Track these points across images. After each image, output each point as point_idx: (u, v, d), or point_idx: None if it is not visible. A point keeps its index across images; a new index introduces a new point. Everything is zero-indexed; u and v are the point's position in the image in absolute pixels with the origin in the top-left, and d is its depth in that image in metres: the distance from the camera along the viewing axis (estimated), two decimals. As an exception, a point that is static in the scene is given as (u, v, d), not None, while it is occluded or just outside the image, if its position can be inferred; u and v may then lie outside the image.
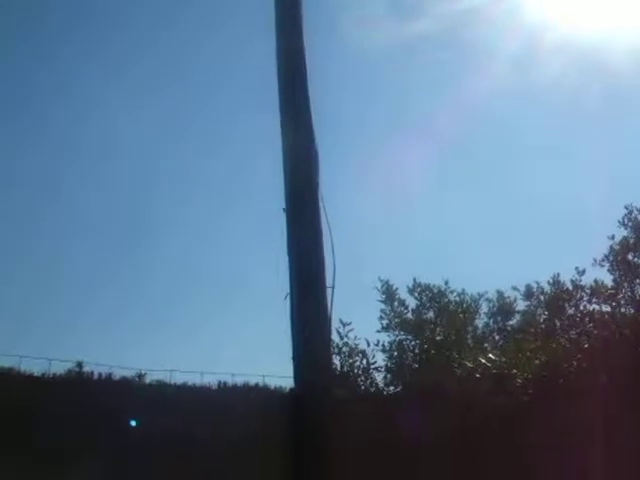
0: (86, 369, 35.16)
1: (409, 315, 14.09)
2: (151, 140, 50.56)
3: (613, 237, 14.24)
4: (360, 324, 13.63)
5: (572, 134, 43.94)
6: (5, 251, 49.94)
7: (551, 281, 15.13)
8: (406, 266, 32.69)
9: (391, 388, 13.51)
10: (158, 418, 27.99)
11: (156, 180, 54.79)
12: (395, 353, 13.46)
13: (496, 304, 16.19)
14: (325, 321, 5.22)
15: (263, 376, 35.80)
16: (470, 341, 14.45)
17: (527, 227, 47.50)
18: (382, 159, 39.40)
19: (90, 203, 51.94)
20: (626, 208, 14.20)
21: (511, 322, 16.22)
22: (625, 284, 14.03)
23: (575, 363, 12.13)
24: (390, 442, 11.68)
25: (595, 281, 14.09)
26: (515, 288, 16.13)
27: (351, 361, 12.99)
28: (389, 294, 14.03)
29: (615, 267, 14.11)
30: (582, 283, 14.23)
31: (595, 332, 13.04)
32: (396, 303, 14.04)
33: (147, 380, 35.62)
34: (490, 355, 12.69)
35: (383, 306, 14.00)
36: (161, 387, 34.73)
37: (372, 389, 13.22)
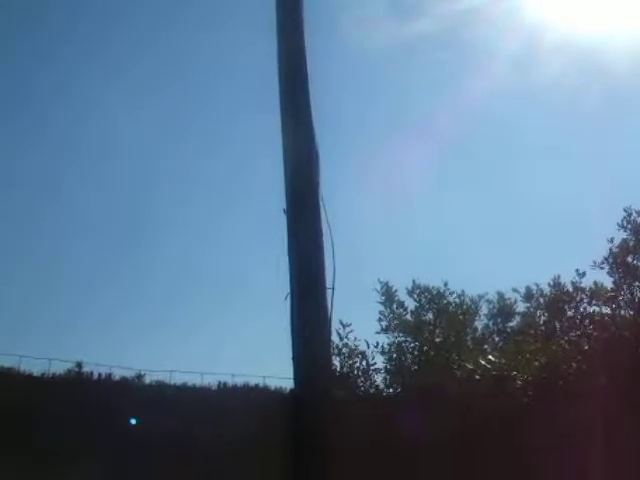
0: (86, 369, 35.12)
1: (408, 317, 14.09)
2: (151, 140, 50.56)
3: (612, 240, 14.28)
4: (360, 325, 13.67)
5: (572, 135, 43.97)
6: (5, 251, 49.95)
7: (551, 283, 15.19)
8: (406, 267, 32.82)
9: (391, 389, 13.52)
10: (158, 418, 27.98)
11: (156, 180, 54.78)
12: (394, 355, 13.47)
13: (496, 306, 16.21)
14: (325, 322, 5.22)
15: (263, 377, 35.81)
16: (470, 342, 14.47)
17: (527, 229, 47.48)
18: (382, 159, 39.37)
19: (90, 203, 51.89)
20: (625, 211, 14.23)
21: (511, 324, 16.24)
22: (624, 286, 14.05)
23: (575, 365, 12.15)
24: (390, 443, 11.68)
25: (595, 283, 14.16)
26: (515, 290, 16.18)
27: (351, 362, 13.01)
28: (388, 296, 14.04)
29: (615, 269, 14.13)
30: (582, 285, 14.29)
31: (595, 334, 13.06)
32: (395, 305, 14.05)
33: (147, 380, 35.62)
34: (490, 357, 12.70)
35: (382, 308, 14.02)
36: (161, 387, 34.70)
37: (372, 390, 13.23)
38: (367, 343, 13.16)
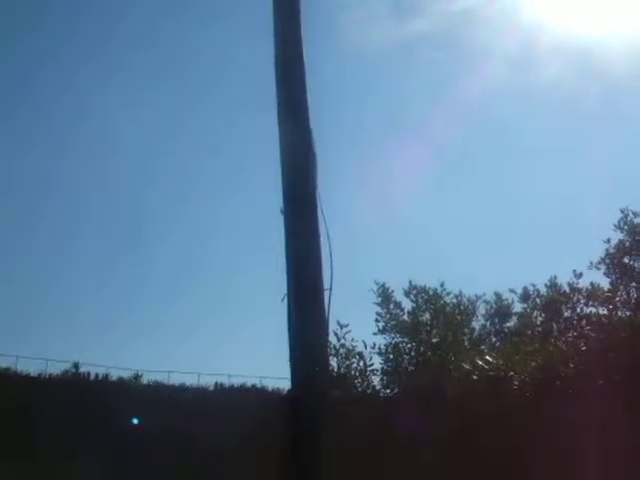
0: (83, 370, 35.08)
1: (405, 317, 14.09)
2: (150, 139, 50.53)
3: (609, 240, 14.31)
4: (357, 326, 13.67)
5: (568, 135, 44.07)
6: (1, 251, 49.88)
7: (548, 284, 15.22)
8: (403, 267, 32.81)
9: (388, 390, 13.52)
10: (155, 419, 27.96)
11: (155, 179, 54.76)
12: (391, 356, 13.46)
13: (493, 306, 16.20)
14: (322, 323, 5.22)
15: (260, 378, 35.74)
16: (467, 343, 14.46)
17: (524, 229, 47.55)
18: (379, 159, 39.50)
19: (87, 202, 51.93)
20: (622, 212, 14.25)
21: (508, 324, 16.23)
22: (621, 287, 14.07)
23: (572, 365, 12.14)
24: (387, 444, 11.68)
25: (592, 284, 14.18)
26: (512, 290, 16.16)
27: (348, 363, 13.00)
28: (385, 296, 14.03)
29: (611, 270, 14.16)
30: (579, 286, 14.31)
31: (592, 335, 13.06)
32: (392, 305, 14.05)
33: (144, 381, 35.56)
34: (487, 357, 12.69)
35: (379, 309, 14.02)
36: (158, 388, 34.64)
37: (369, 391, 13.22)
38: (364, 344, 13.17)
